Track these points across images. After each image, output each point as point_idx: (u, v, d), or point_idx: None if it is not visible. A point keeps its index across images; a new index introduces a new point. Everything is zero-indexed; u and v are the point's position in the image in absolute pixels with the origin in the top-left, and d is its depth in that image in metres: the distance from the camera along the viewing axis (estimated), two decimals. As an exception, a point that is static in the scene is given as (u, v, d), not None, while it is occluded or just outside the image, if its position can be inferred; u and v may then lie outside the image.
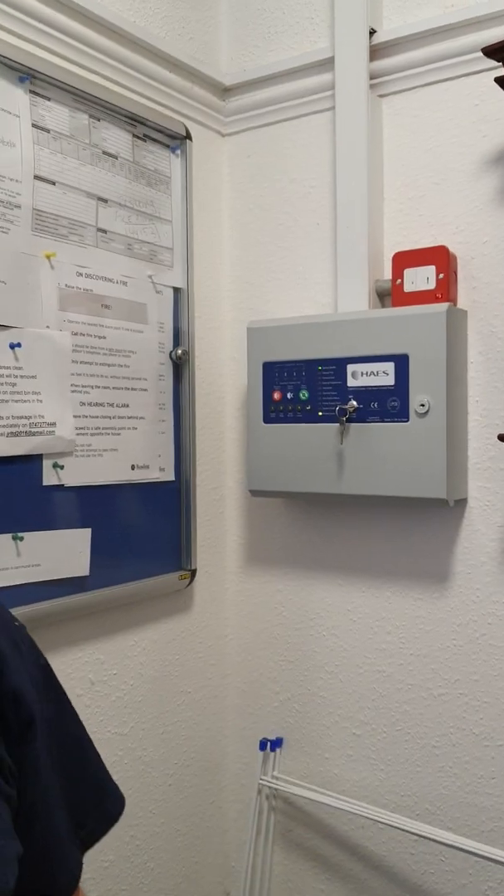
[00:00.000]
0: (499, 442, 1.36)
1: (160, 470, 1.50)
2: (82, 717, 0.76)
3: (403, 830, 1.43)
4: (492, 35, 1.35)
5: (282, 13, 1.61)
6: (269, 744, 1.62)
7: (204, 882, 1.66)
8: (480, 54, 1.33)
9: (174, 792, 1.58)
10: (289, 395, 1.48)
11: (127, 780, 1.45)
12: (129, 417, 1.44)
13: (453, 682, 1.44)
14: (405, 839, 1.49)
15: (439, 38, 1.42)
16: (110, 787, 0.78)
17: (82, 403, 1.34)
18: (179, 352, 1.53)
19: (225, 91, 1.67)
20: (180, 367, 1.55)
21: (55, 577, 1.29)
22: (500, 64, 1.25)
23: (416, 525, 1.46)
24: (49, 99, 1.29)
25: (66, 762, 0.73)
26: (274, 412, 1.50)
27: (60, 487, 1.31)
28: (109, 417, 1.40)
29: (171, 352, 1.53)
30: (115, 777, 0.78)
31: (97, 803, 0.77)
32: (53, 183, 1.29)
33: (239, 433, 1.69)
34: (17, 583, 1.23)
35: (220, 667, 1.69)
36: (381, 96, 1.49)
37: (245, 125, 1.66)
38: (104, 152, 1.39)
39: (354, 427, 1.40)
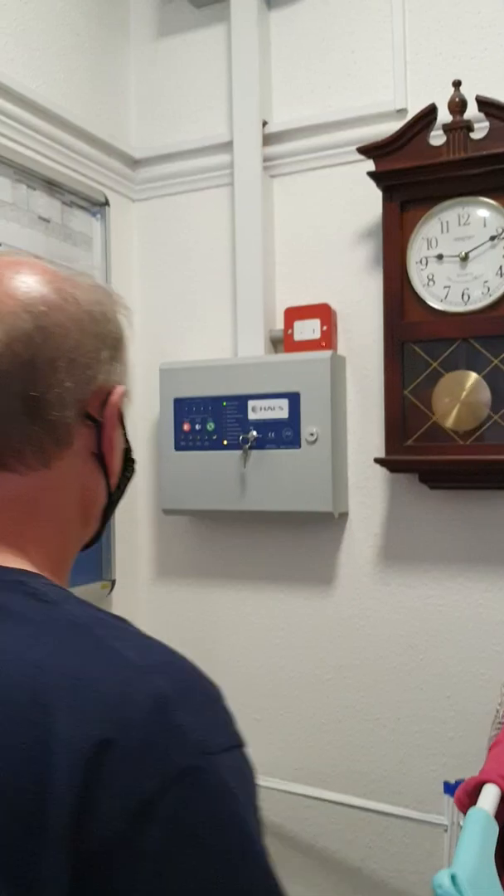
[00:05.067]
0: (372, 465, 1.65)
1: (84, 492, 1.71)
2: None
3: (297, 795, 1.68)
4: (363, 133, 1.66)
5: (185, 101, 1.88)
6: (178, 734, 1.83)
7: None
8: (354, 147, 1.64)
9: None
10: (197, 427, 1.72)
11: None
12: (60, 446, 1.64)
13: (337, 668, 1.71)
14: (299, 806, 1.74)
15: (319, 132, 1.73)
16: None
17: (21, 434, 1.54)
18: (101, 389, 1.75)
19: (135, 163, 1.92)
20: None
21: None
22: (372, 160, 1.56)
23: (306, 536, 1.73)
24: (-6, 172, 1.50)
25: None
26: (184, 441, 1.74)
27: (3, 507, 1.50)
28: (43, 446, 1.60)
29: (94, 389, 1.74)
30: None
31: None
32: (0, 244, 1.50)
33: (147, 460, 1.92)
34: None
35: (134, 668, 1.89)
36: (272, 176, 1.78)
37: (153, 193, 1.92)
38: (39, 217, 1.61)
39: (255, 453, 1.66)
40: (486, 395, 1.48)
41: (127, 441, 0.67)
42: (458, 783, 1.50)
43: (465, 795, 0.69)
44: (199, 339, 1.86)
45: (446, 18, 1.62)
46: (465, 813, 0.68)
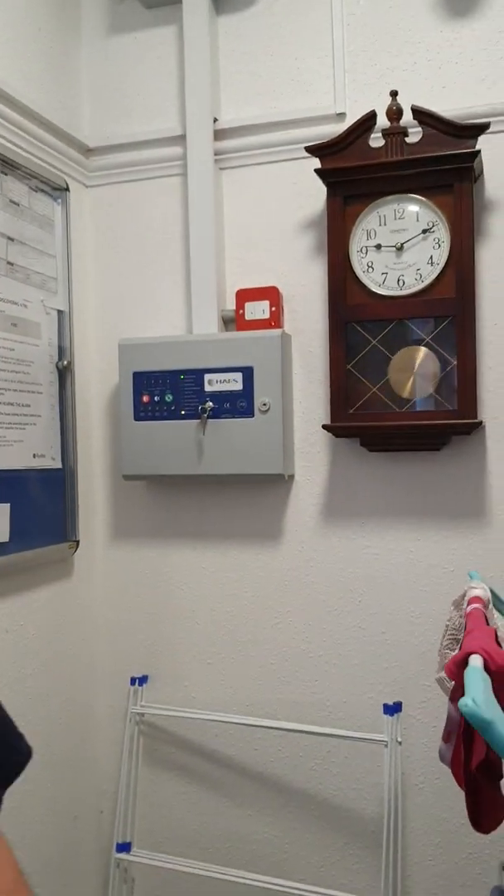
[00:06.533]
0: (315, 431, 1.86)
1: (52, 459, 1.85)
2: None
3: (249, 726, 1.89)
4: (305, 133, 1.85)
5: (136, 94, 2.02)
6: (137, 680, 2.00)
7: (82, 804, 1.99)
8: (298, 145, 1.83)
9: (61, 727, 1.91)
10: (156, 398, 1.88)
11: (26, 713, 1.77)
12: (31, 415, 1.77)
13: (285, 612, 1.91)
14: (251, 737, 1.94)
15: (265, 130, 1.91)
16: (17, 733, 0.87)
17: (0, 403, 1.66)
18: (64, 362, 1.88)
19: (88, 151, 2.04)
20: (64, 375, 1.90)
21: (-14, 542, 1.60)
22: (318, 159, 1.75)
23: (256, 496, 1.92)
24: (-26, 158, 1.61)
25: None
26: (143, 412, 1.89)
27: (-14, 470, 1.62)
28: (18, 415, 1.72)
29: (58, 362, 1.88)
30: (18, 712, 0.87)
31: (10, 744, 0.85)
32: (-20, 226, 1.62)
33: (104, 430, 2.06)
34: (-39, 546, 1.54)
35: (95, 620, 2.04)
36: (222, 169, 1.94)
37: (106, 180, 2.05)
38: (10, 200, 1.72)
39: (211, 422, 1.83)
40: (435, 366, 1.70)
41: None
42: (395, 704, 1.73)
43: (455, 666, 0.89)
44: (154, 318, 2.01)
45: (380, 34, 1.82)
46: (454, 680, 0.89)
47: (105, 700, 2.06)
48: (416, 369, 1.72)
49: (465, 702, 0.70)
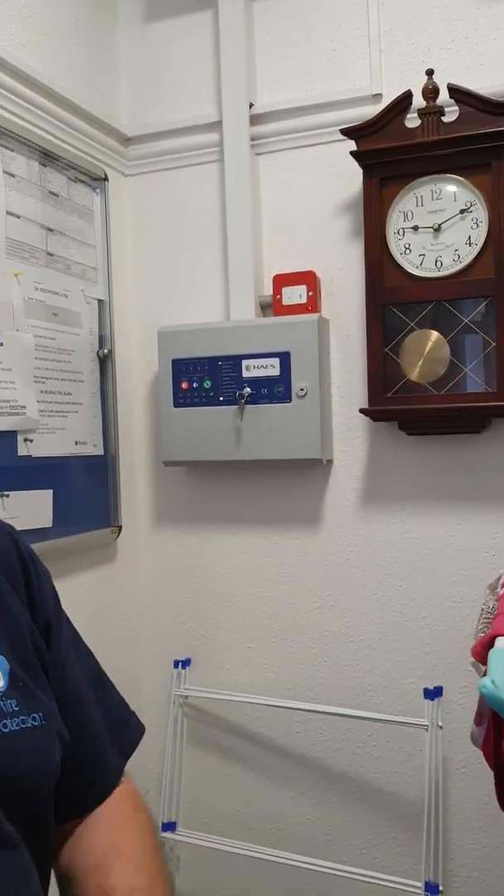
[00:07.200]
0: (354, 416, 1.85)
1: (94, 446, 1.88)
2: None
3: (291, 709, 1.90)
4: (342, 115, 1.84)
5: (173, 82, 2.03)
6: (180, 663, 2.03)
7: (128, 783, 2.03)
8: (334, 128, 1.82)
9: (106, 707, 1.94)
10: (194, 385, 1.89)
11: (75, 694, 1.81)
12: (73, 403, 1.80)
13: (325, 597, 1.92)
14: (292, 721, 1.95)
15: (301, 113, 1.90)
16: (130, 711, 0.99)
17: (42, 391, 1.69)
18: (105, 351, 1.91)
19: (127, 140, 2.06)
20: (105, 363, 1.92)
21: (29, 527, 1.63)
22: (353, 141, 1.73)
23: (295, 482, 1.93)
24: (12, 150, 1.64)
25: (95, 680, 0.93)
26: (182, 398, 1.91)
27: (29, 457, 1.65)
28: (60, 403, 1.75)
29: (98, 351, 1.90)
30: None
31: (126, 720, 0.96)
32: (18, 217, 1.64)
33: (145, 417, 2.08)
34: (5, 531, 1.57)
35: (138, 604, 2.08)
36: (258, 154, 1.94)
37: (145, 169, 2.06)
38: (50, 192, 1.75)
39: (249, 408, 1.84)
40: (445, 351, 1.69)
41: None
42: (436, 689, 1.73)
43: (482, 647, 0.89)
44: (193, 305, 2.02)
45: (417, 12, 1.79)
46: (480, 662, 0.89)
47: (149, 682, 2.10)
48: (426, 353, 1.70)
49: (485, 683, 0.71)
